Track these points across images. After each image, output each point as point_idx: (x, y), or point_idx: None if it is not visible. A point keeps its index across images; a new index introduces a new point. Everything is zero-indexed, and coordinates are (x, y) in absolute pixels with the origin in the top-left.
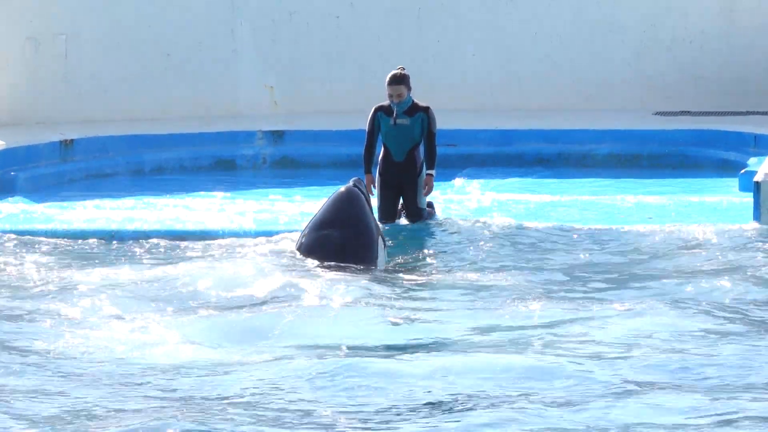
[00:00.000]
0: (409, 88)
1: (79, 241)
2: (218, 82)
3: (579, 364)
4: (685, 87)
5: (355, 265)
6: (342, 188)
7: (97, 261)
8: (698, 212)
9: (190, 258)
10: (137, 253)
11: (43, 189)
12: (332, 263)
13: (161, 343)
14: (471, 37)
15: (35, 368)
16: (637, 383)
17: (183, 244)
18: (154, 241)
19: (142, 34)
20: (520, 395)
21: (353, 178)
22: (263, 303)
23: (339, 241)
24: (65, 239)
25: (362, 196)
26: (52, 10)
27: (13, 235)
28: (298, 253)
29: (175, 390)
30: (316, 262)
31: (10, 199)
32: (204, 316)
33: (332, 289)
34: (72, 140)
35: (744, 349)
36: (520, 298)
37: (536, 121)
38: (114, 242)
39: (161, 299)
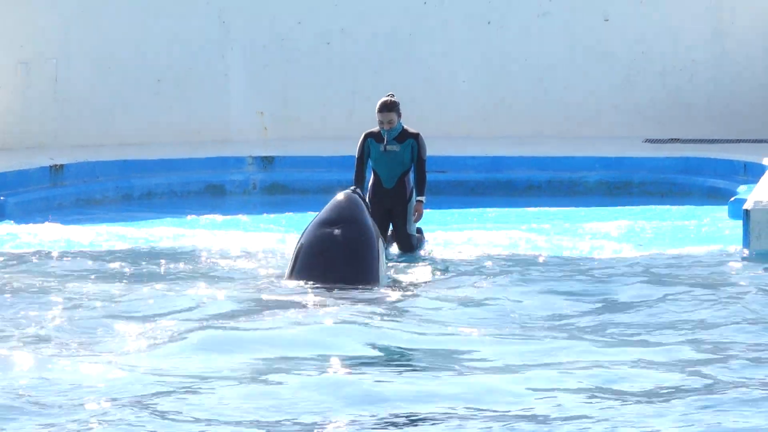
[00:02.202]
0: (399, 115)
1: (67, 263)
2: (209, 107)
3: (571, 389)
4: (676, 114)
5: (355, 271)
6: (340, 193)
7: (86, 282)
8: (688, 240)
9: (180, 276)
10: (125, 274)
11: (32, 214)
12: (329, 282)
13: (149, 362)
14: (461, 63)
15: (23, 386)
16: (626, 410)
17: (172, 263)
18: (142, 261)
19: (133, 58)
20: (512, 415)
21: (351, 187)
22: (254, 316)
23: (340, 238)
24: (53, 262)
25: (361, 200)
26: (43, 35)
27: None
28: (298, 252)
29: (161, 405)
30: (311, 281)
31: None
32: (194, 333)
33: (324, 305)
34: (62, 165)
35: (736, 376)
36: (512, 324)
37: (526, 147)
38: (102, 264)
39: (150, 317)
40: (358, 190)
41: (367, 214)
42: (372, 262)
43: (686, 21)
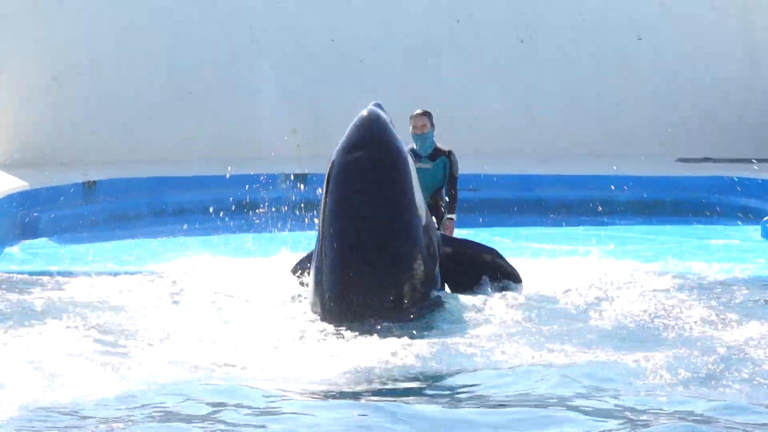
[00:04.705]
0: (432, 125)
1: (100, 280)
2: (239, 122)
3: (594, 404)
4: (708, 133)
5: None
6: (363, 111)
7: (119, 299)
8: (720, 260)
9: (206, 291)
10: (154, 290)
11: (65, 230)
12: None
13: (178, 371)
14: (491, 80)
15: (41, 399)
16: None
17: (200, 278)
18: (171, 278)
19: (163, 72)
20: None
21: (373, 102)
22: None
23: (370, 162)
24: (83, 279)
25: (384, 116)
26: (74, 50)
27: (29, 275)
28: (327, 183)
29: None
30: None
31: (32, 240)
32: (222, 345)
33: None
34: (95, 181)
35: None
36: (543, 342)
37: (559, 165)
38: (134, 281)
39: (176, 339)
40: (380, 105)
41: (393, 131)
42: (407, 184)
43: (718, 39)
